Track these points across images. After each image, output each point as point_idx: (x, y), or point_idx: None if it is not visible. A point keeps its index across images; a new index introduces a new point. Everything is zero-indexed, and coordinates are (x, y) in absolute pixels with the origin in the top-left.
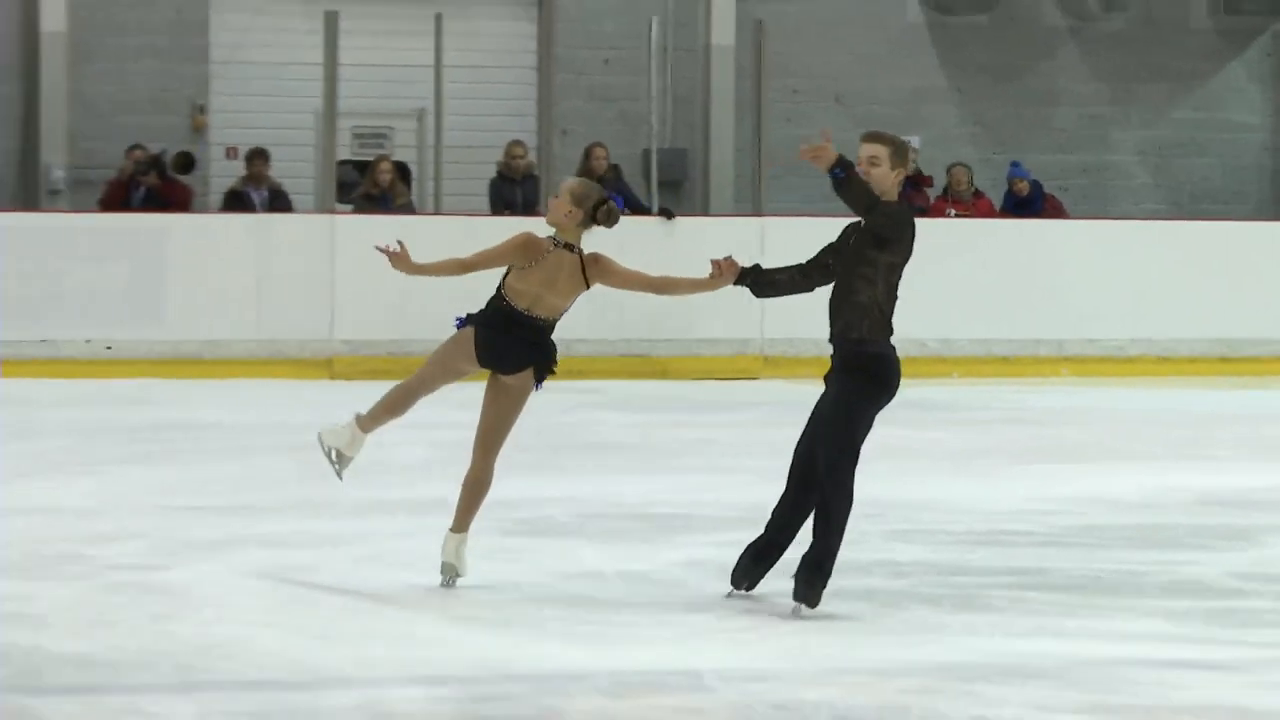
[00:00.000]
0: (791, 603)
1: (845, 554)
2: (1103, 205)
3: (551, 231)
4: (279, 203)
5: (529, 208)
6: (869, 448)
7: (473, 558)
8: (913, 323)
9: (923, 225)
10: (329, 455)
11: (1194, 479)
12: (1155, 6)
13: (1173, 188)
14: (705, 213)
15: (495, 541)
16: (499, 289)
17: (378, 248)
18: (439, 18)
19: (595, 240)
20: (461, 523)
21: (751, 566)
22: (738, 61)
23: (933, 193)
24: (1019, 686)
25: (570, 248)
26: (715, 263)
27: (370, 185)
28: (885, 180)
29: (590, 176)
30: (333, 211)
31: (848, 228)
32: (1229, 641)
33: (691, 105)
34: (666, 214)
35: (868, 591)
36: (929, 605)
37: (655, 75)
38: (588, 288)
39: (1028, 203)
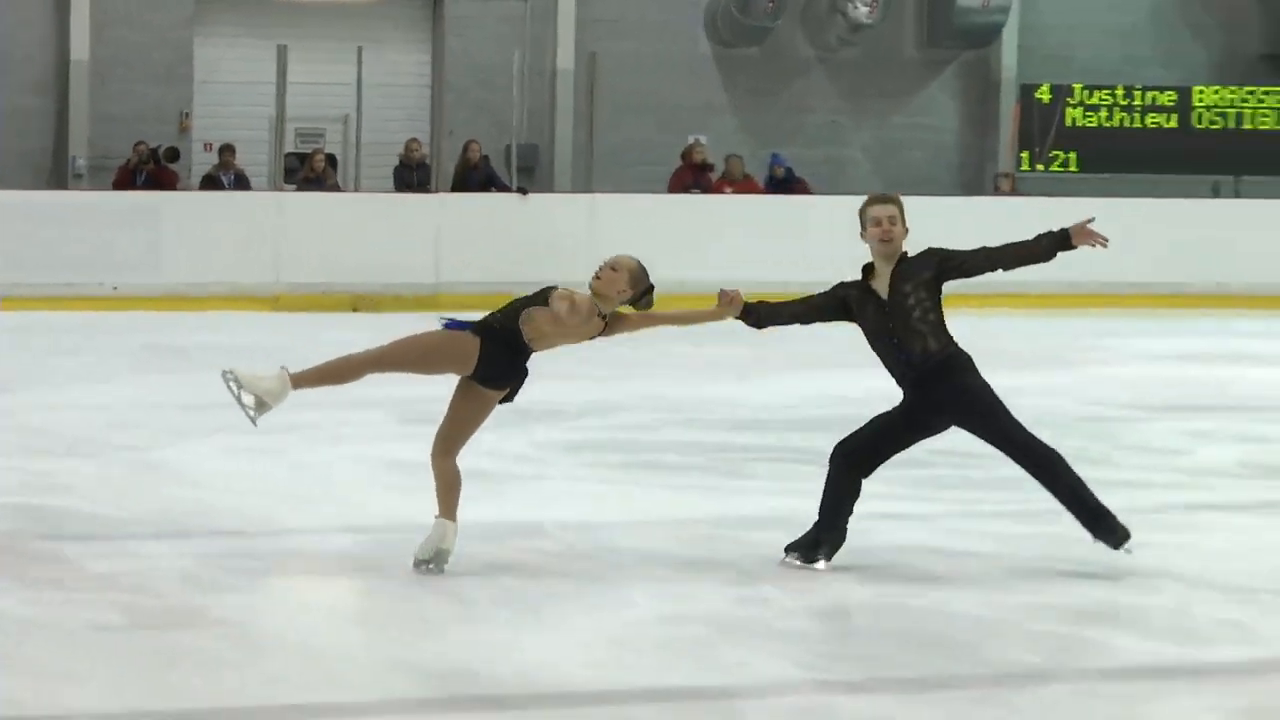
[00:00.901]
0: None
1: (646, 437)
2: (838, 186)
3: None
4: (242, 184)
5: (422, 186)
6: (671, 372)
7: (393, 441)
8: (709, 269)
9: (707, 200)
10: (239, 397)
11: None
12: (878, 41)
13: (889, 174)
14: (551, 190)
15: (400, 429)
16: (516, 316)
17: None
18: (360, 50)
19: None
20: (450, 513)
21: (813, 547)
22: (576, 81)
23: (714, 176)
24: (773, 532)
25: (604, 317)
26: (723, 293)
27: (308, 171)
28: (901, 235)
29: (466, 165)
30: (280, 189)
31: (854, 285)
32: (924, 499)
33: (542, 113)
34: (523, 191)
35: (665, 465)
36: (708, 474)
37: (516, 91)
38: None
39: (784, 184)
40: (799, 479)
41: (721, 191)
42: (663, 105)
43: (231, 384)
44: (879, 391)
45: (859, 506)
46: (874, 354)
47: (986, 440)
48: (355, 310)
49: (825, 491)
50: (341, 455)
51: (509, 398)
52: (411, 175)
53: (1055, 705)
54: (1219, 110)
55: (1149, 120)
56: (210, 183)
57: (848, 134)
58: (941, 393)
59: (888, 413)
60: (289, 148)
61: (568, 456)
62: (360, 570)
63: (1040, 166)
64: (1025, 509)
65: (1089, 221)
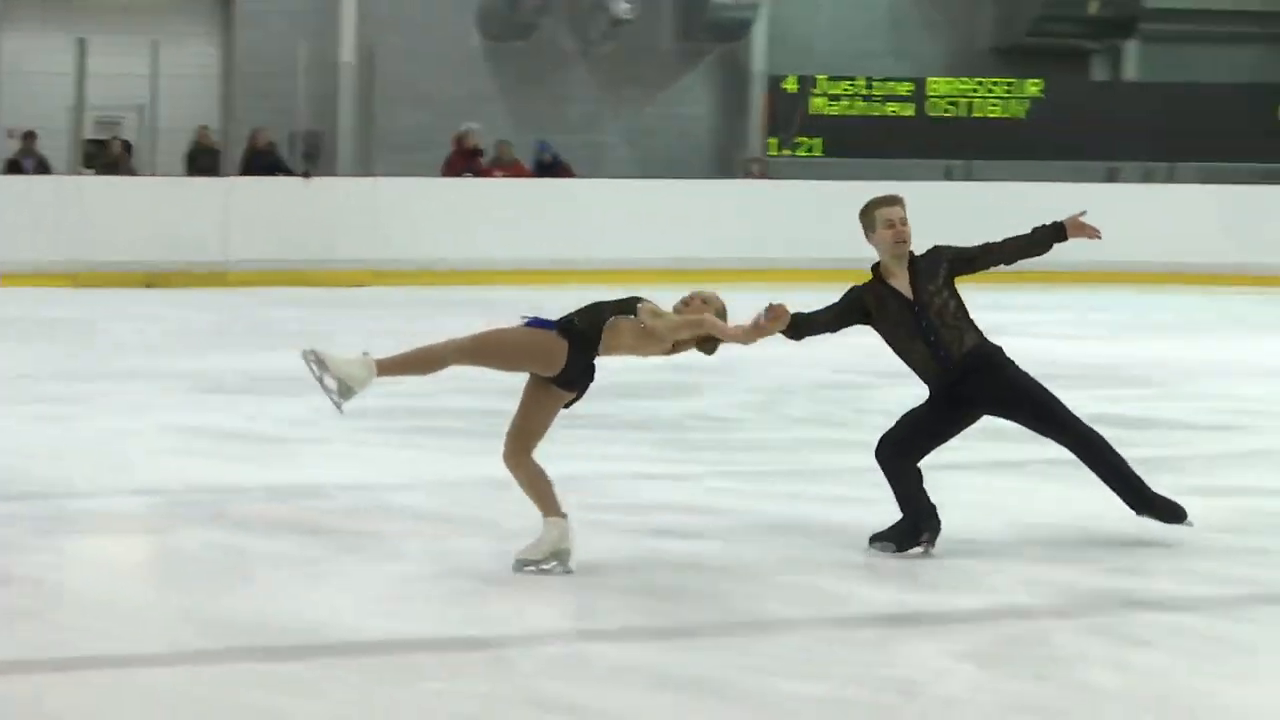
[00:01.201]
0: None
1: (423, 404)
2: (599, 170)
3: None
4: (43, 169)
5: (212, 170)
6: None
7: (185, 410)
8: (479, 248)
9: (478, 183)
10: (321, 379)
11: None
12: (636, 34)
13: (646, 159)
14: (333, 174)
15: (190, 398)
16: (600, 321)
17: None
18: (155, 43)
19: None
20: (555, 509)
21: (909, 535)
22: (358, 73)
23: (485, 161)
24: None
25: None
26: (770, 307)
27: (106, 156)
28: (910, 234)
29: (254, 150)
30: (79, 174)
31: (869, 287)
32: (681, 460)
33: (327, 102)
34: (306, 175)
35: (440, 430)
36: (480, 438)
37: (301, 82)
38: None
39: (550, 168)
40: (566, 443)
41: (492, 175)
42: (438, 95)
43: (313, 365)
44: (641, 360)
45: (621, 467)
46: (897, 354)
47: (1031, 428)
48: (149, 286)
49: (894, 488)
50: (136, 423)
51: (573, 400)
52: (203, 160)
53: (799, 651)
54: (951, 99)
55: (888, 109)
56: (13, 168)
57: (608, 122)
58: (987, 388)
59: (918, 410)
60: (88, 135)
61: (348, 422)
62: (154, 530)
63: (787, 152)
64: (774, 469)
65: (1081, 215)
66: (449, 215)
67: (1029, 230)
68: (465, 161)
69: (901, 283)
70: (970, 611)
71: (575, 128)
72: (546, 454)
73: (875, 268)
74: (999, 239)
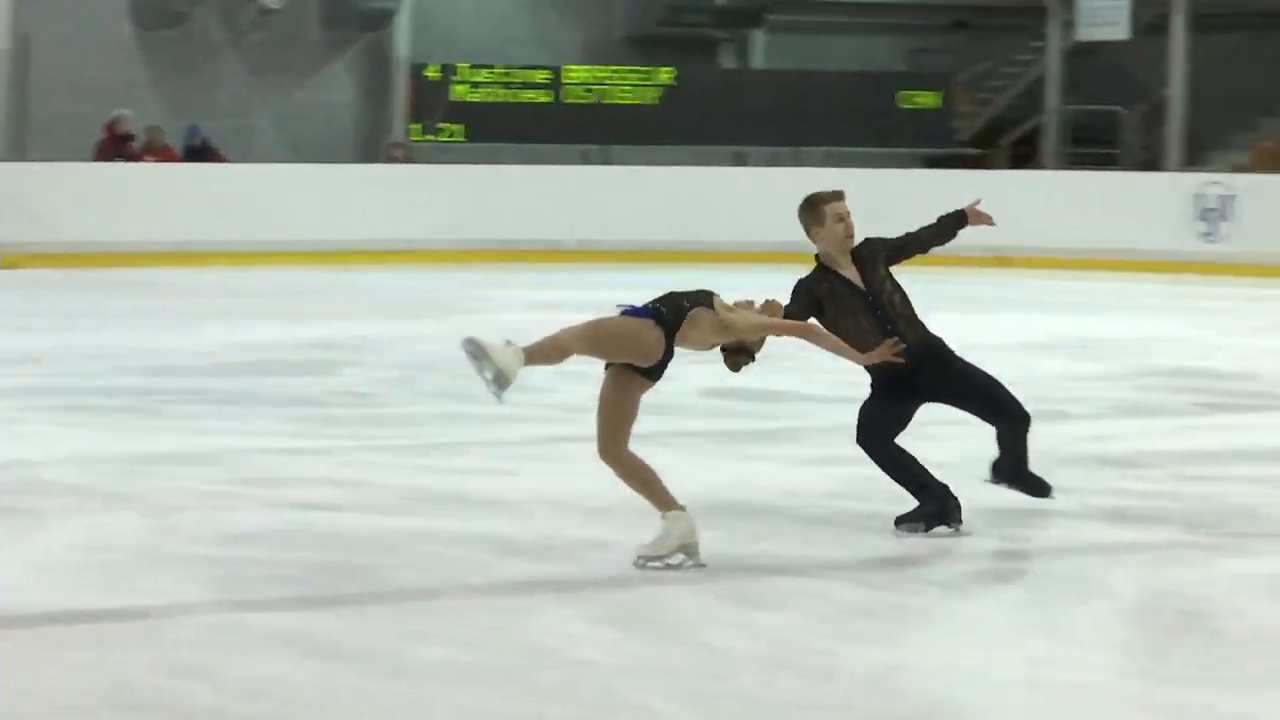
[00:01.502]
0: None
1: (75, 383)
2: (248, 155)
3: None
4: None
5: None
6: (100, 323)
7: None
8: (130, 232)
9: (129, 168)
10: (480, 370)
11: (287, 331)
12: (284, 23)
13: (295, 144)
14: None
15: None
16: (681, 312)
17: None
18: None
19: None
20: (671, 502)
21: (938, 516)
22: (12, 59)
23: (136, 146)
24: (184, 467)
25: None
26: (767, 303)
27: None
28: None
29: None
30: None
31: (819, 279)
32: (322, 435)
33: None
34: None
35: (91, 407)
36: (129, 415)
37: None
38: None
39: (200, 152)
40: (208, 419)
41: (142, 160)
42: (91, 82)
43: (472, 356)
44: (280, 335)
45: (264, 442)
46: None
47: (976, 414)
48: None
49: (892, 476)
50: None
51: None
52: None
53: (440, 619)
54: (587, 86)
55: (526, 96)
56: None
57: (257, 108)
58: (940, 380)
59: (868, 402)
60: None
61: (2, 401)
62: None
63: (430, 137)
64: (413, 444)
65: (976, 203)
66: (101, 199)
67: (935, 220)
68: (117, 147)
69: (851, 273)
70: (604, 578)
71: (225, 113)
72: (208, 429)
73: (818, 258)
74: (915, 229)
